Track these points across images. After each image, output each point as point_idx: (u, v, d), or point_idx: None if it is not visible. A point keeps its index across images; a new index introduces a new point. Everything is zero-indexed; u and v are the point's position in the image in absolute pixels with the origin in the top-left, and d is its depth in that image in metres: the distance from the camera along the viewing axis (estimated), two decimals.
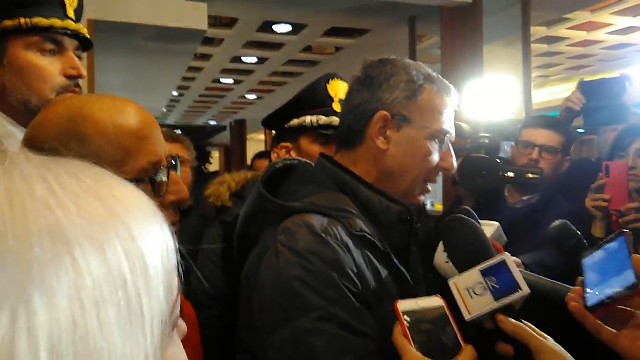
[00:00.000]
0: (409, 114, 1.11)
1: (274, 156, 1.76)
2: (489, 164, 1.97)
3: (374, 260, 1.03)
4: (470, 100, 2.20)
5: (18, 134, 1.24)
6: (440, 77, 1.17)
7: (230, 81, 9.33)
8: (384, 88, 1.12)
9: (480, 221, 1.38)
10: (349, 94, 1.18)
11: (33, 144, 0.83)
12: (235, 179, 2.09)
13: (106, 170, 0.41)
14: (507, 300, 0.96)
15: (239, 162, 13.01)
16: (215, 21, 5.64)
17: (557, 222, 1.30)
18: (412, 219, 1.12)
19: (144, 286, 0.34)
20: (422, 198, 1.17)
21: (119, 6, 4.05)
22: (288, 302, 0.95)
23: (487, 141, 2.00)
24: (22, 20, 1.24)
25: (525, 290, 0.96)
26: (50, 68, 1.28)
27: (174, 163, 0.95)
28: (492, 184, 2.02)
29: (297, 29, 6.15)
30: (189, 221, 2.37)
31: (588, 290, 0.92)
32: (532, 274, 1.16)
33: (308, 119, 1.65)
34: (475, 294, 0.97)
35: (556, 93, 9.66)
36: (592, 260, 0.97)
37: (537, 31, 6.46)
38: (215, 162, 20.45)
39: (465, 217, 1.12)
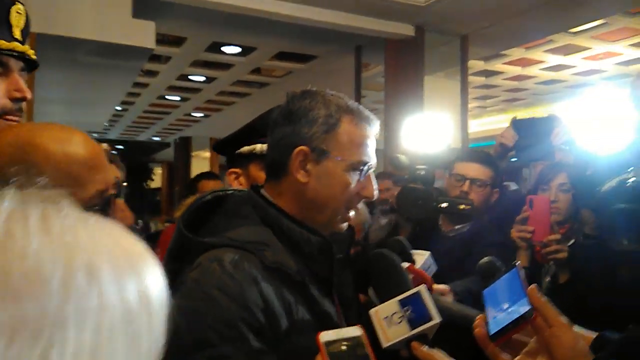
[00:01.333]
0: (327, 147, 1.14)
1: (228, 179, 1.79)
2: (423, 195, 2.08)
3: (286, 293, 1.05)
4: (409, 133, 2.31)
5: None
6: (361, 107, 1.21)
7: (177, 98, 9.23)
8: (302, 122, 1.15)
9: (413, 251, 1.47)
10: (273, 127, 1.22)
11: None
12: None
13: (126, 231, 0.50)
14: (420, 329, 1.03)
15: (182, 179, 12.82)
16: (163, 38, 5.61)
17: (485, 259, 1.40)
18: (332, 249, 1.16)
19: (147, 323, 0.45)
20: (344, 225, 1.22)
21: (64, 20, 3.96)
22: (186, 335, 0.97)
23: (422, 172, 2.11)
24: None
25: (437, 319, 1.04)
26: None
27: (118, 189, 0.97)
28: (427, 214, 2.12)
29: (246, 51, 6.20)
30: None
31: (489, 319, 1.00)
32: (451, 302, 1.25)
33: (258, 146, 1.70)
34: (392, 323, 1.05)
35: (492, 123, 10.15)
36: (492, 291, 1.06)
37: (476, 64, 6.81)
38: (157, 179, 20.01)
39: (386, 251, 1.20)
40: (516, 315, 0.94)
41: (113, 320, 0.41)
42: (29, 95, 1.30)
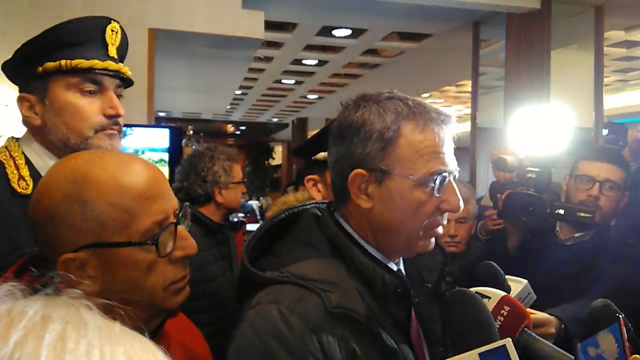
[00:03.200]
0: (387, 166, 0.98)
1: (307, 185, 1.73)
2: (535, 201, 1.84)
3: (351, 341, 0.93)
4: (525, 126, 2.06)
5: None
6: (427, 106, 1.02)
7: (292, 82, 9.39)
8: (354, 142, 1.00)
9: (508, 277, 1.28)
10: (329, 145, 1.08)
11: (38, 209, 0.85)
12: (299, 199, 2.07)
13: (155, 348, 0.47)
14: None
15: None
16: (275, 25, 5.67)
17: (599, 302, 1.17)
18: (409, 292, 1.01)
19: None
20: (430, 243, 1.04)
21: (179, 15, 4.15)
22: None
23: (534, 176, 1.86)
24: (63, 62, 1.28)
25: None
26: (89, 107, 1.31)
27: (182, 215, 0.93)
28: (538, 222, 1.88)
29: (356, 32, 6.08)
30: None
31: None
32: (547, 346, 1.06)
33: None
34: None
35: (637, 97, 9.04)
36: (589, 345, 0.86)
37: (615, 35, 6.04)
38: (277, 157, 20.77)
39: (467, 291, 1.04)
40: None
41: None
42: (122, 112, 1.35)
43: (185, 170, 2.47)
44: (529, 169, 1.87)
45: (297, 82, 9.43)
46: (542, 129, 1.96)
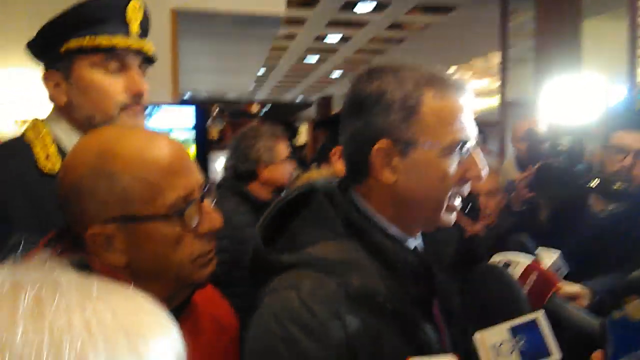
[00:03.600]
0: (412, 136, 0.94)
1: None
2: (567, 173, 1.79)
3: (374, 323, 0.90)
4: (557, 96, 1.99)
5: None
6: (444, 74, 0.98)
7: (315, 59, 9.32)
8: (375, 112, 0.95)
9: (541, 248, 1.25)
10: (342, 120, 1.02)
11: (64, 183, 0.86)
12: (323, 175, 2.06)
13: (140, 298, 0.45)
14: None
15: (323, 136, 13.07)
16: (297, 1, 5.61)
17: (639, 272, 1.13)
18: (431, 270, 0.99)
19: None
20: (452, 217, 1.01)
21: None
22: None
23: (566, 147, 1.80)
24: (85, 41, 1.28)
25: (557, 355, 0.86)
26: (113, 86, 1.31)
27: (207, 189, 0.93)
28: (571, 195, 1.83)
29: (380, 6, 5.97)
30: None
31: None
32: (577, 310, 1.03)
33: None
34: (501, 353, 0.88)
35: None
36: (621, 323, 0.82)
37: None
38: (302, 136, 20.80)
39: (497, 267, 1.01)
40: None
41: None
42: (145, 88, 1.34)
43: (232, 149, 2.56)
44: (561, 140, 1.81)
45: (320, 60, 9.35)
46: (575, 99, 1.89)
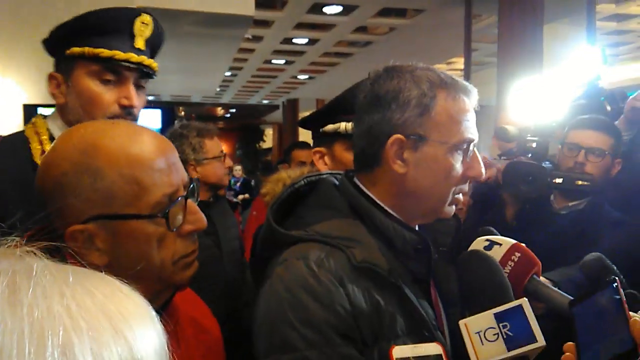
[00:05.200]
0: (425, 131, 1.02)
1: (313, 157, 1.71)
2: (535, 170, 1.84)
3: (375, 294, 0.97)
4: (522, 98, 2.05)
5: None
6: (455, 78, 1.06)
7: (282, 62, 9.31)
8: (392, 108, 1.03)
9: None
10: (358, 113, 1.10)
11: (46, 178, 0.83)
12: (292, 176, 2.05)
13: (117, 282, 0.44)
14: (520, 351, 0.88)
15: (290, 140, 13.09)
16: (265, 2, 5.60)
17: (591, 256, 1.18)
18: (429, 248, 1.04)
19: None
20: (452, 209, 1.09)
21: None
22: (271, 337, 0.94)
23: (534, 145, 1.86)
24: (87, 50, 1.33)
25: (541, 342, 0.88)
26: (105, 96, 1.35)
27: (192, 188, 0.91)
28: (538, 191, 1.89)
29: (347, 9, 6.02)
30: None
31: (582, 349, 0.81)
32: (553, 288, 1.06)
33: (343, 125, 1.58)
34: (486, 339, 0.90)
35: (627, 72, 9.07)
36: (585, 310, 0.85)
37: (605, 8, 6.04)
38: (268, 139, 20.68)
39: (482, 252, 1.04)
40: (615, 352, 0.76)
41: None
42: (136, 103, 1.38)
43: None
44: (529, 138, 1.87)
45: (287, 62, 9.35)
46: (539, 99, 1.96)
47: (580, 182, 1.86)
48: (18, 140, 1.37)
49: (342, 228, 1.02)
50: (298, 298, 0.93)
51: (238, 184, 8.29)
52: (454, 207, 1.09)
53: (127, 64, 1.35)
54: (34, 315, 0.36)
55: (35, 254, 0.41)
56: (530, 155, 1.89)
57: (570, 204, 1.99)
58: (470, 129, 1.05)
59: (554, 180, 1.87)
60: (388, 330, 0.96)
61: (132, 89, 1.37)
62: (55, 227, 0.82)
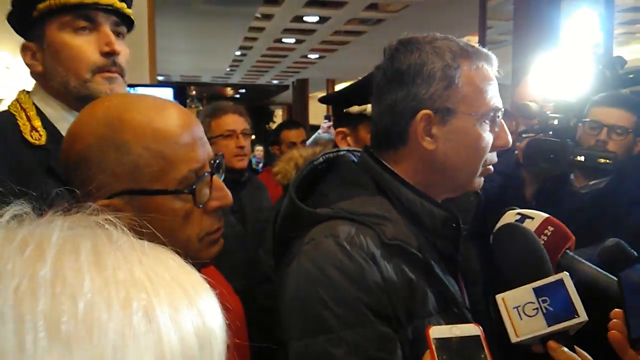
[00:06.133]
0: (452, 104, 0.99)
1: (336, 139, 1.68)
2: (557, 147, 1.80)
3: (407, 271, 0.95)
4: (542, 73, 2.01)
5: (70, 118, 1.25)
6: (475, 46, 1.03)
7: (292, 40, 9.22)
8: (417, 82, 0.99)
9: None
10: (378, 90, 1.06)
11: (70, 153, 0.81)
12: (303, 155, 2.03)
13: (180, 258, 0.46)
14: (560, 326, 0.85)
15: (300, 120, 13.03)
16: None
17: (610, 242, 1.14)
18: (458, 223, 1.02)
19: None
20: (481, 181, 1.07)
21: None
22: (303, 317, 0.93)
23: (556, 122, 1.82)
24: (52, 1, 1.23)
25: (583, 316, 0.85)
26: (84, 47, 1.25)
27: (217, 164, 0.90)
28: (559, 169, 1.85)
29: None
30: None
31: (630, 316, 0.80)
32: (588, 263, 1.03)
33: (370, 107, 1.55)
34: (525, 314, 0.88)
35: None
36: (630, 278, 0.83)
37: None
38: (278, 120, 20.63)
39: (519, 224, 1.02)
40: None
41: None
42: (118, 48, 1.28)
43: None
44: (551, 114, 1.83)
45: (297, 41, 9.26)
46: (560, 74, 1.92)
47: (602, 160, 1.82)
48: (4, 119, 1.28)
49: (369, 205, 1.00)
50: (329, 276, 0.91)
51: (260, 165, 8.06)
52: (482, 179, 1.06)
53: (98, 7, 1.25)
54: (118, 278, 0.37)
55: (112, 221, 0.42)
56: (551, 132, 1.85)
57: (591, 182, 1.96)
58: (495, 97, 1.02)
59: (575, 158, 1.83)
60: (421, 309, 0.94)
61: (110, 33, 1.27)
62: (80, 202, 0.82)
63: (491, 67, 1.03)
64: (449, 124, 0.99)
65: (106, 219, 0.42)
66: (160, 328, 0.37)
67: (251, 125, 2.58)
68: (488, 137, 1.01)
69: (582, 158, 1.84)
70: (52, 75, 1.27)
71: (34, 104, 1.29)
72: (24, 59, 1.30)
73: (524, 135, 1.91)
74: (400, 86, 1.00)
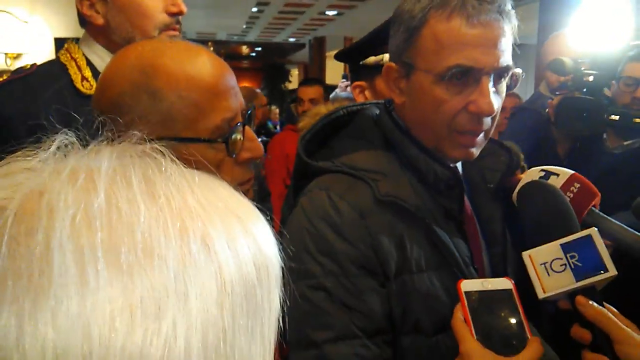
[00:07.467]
0: (411, 59, 0.95)
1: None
2: (590, 106, 1.74)
3: (400, 228, 0.94)
4: (576, 27, 1.93)
5: None
6: None
7: None
8: (391, 34, 0.99)
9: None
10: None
11: (103, 98, 0.80)
12: (330, 109, 2.00)
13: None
14: (589, 281, 0.84)
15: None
16: None
17: None
18: (460, 183, 1.01)
19: (266, 294, 0.40)
20: (460, 151, 0.97)
21: None
22: (292, 262, 0.93)
23: (590, 79, 1.75)
24: None
25: (612, 271, 0.84)
26: (152, 5, 1.28)
27: (249, 114, 0.89)
28: (593, 129, 1.80)
29: None
30: None
31: None
32: (621, 226, 1.01)
33: (386, 56, 1.49)
34: (552, 270, 0.86)
35: None
36: None
37: None
38: (294, 80, 20.38)
39: (545, 182, 1.00)
40: None
41: (234, 291, 0.37)
42: (184, 9, 1.32)
43: None
44: (585, 71, 1.76)
45: None
46: (603, 28, 1.83)
47: (638, 120, 1.76)
48: (55, 68, 1.32)
49: (371, 160, 1.00)
50: (318, 229, 0.93)
51: (278, 127, 7.91)
52: (471, 150, 0.97)
53: None
54: (172, 206, 0.36)
55: (160, 150, 0.41)
56: (585, 90, 1.79)
57: (625, 143, 1.91)
58: (467, 54, 0.88)
59: (609, 117, 1.77)
60: (411, 264, 0.94)
61: None
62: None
63: (475, 19, 0.88)
64: (411, 79, 0.96)
65: (154, 148, 0.40)
66: (219, 256, 0.36)
67: (267, 84, 2.55)
68: (449, 100, 0.92)
69: (616, 117, 1.78)
70: (116, 30, 1.29)
71: (83, 54, 1.33)
72: (80, 9, 1.31)
73: (557, 93, 1.85)
74: (391, 35, 1.00)
